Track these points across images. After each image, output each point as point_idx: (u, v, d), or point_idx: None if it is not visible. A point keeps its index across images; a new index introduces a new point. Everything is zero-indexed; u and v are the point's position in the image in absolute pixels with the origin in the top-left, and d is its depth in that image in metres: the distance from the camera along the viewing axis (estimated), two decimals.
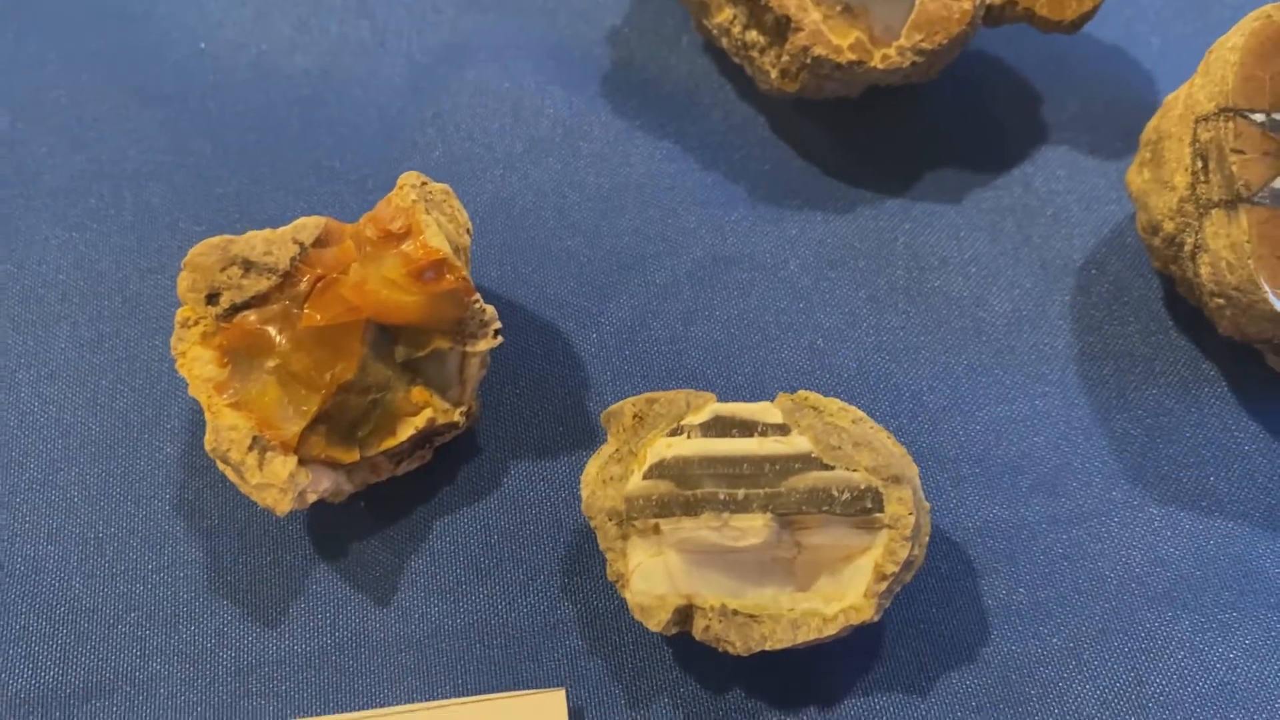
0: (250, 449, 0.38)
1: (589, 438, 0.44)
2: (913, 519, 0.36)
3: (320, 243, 0.40)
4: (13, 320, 0.47)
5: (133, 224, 0.49)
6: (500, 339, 0.41)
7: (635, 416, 0.39)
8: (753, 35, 0.46)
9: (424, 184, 0.40)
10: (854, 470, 0.36)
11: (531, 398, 0.45)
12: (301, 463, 0.38)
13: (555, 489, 0.43)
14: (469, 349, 0.40)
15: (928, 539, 0.37)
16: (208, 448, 0.38)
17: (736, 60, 0.48)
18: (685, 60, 0.52)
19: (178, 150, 0.51)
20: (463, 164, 0.50)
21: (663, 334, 0.46)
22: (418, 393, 0.41)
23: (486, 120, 0.51)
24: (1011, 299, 0.47)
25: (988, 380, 0.45)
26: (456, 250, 0.40)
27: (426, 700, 0.40)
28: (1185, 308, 0.46)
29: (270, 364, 0.38)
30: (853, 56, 0.45)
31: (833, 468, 0.36)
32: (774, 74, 0.47)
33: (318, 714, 0.40)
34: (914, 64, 0.45)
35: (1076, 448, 0.44)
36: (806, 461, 0.36)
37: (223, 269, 0.39)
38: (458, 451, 0.44)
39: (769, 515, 0.36)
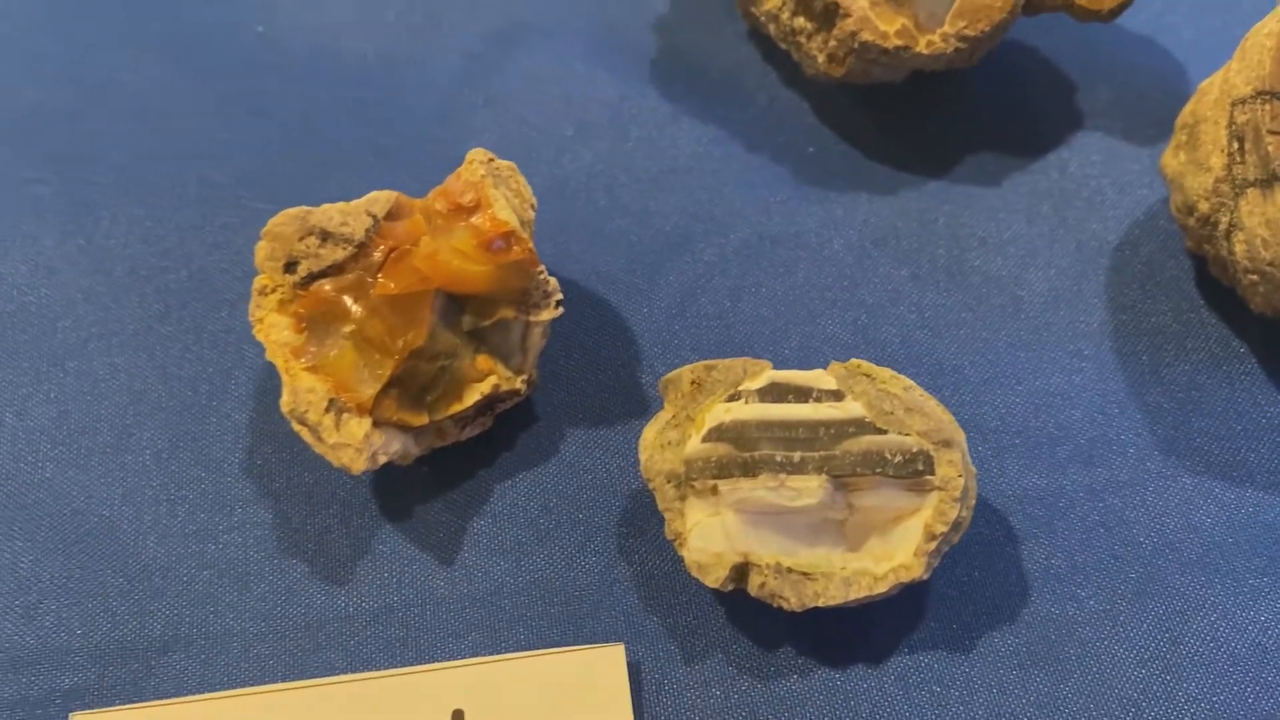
0: (327, 410, 0.39)
1: (641, 406, 0.46)
2: (962, 481, 0.38)
3: (392, 215, 0.41)
4: (84, 292, 0.49)
5: (196, 200, 0.51)
6: (561, 309, 0.42)
7: (693, 383, 0.40)
8: (800, 21, 0.48)
9: (491, 160, 0.42)
10: (906, 434, 0.38)
11: (586, 368, 0.47)
12: (374, 425, 0.40)
13: (610, 455, 0.45)
14: (532, 319, 0.42)
15: (974, 502, 0.39)
16: (285, 409, 0.40)
17: (783, 46, 0.50)
18: (731, 46, 0.54)
19: (239, 130, 0.52)
20: (515, 146, 0.52)
21: (711, 309, 0.48)
22: (483, 360, 0.42)
23: (538, 104, 0.53)
24: (1048, 278, 0.48)
25: (1026, 355, 0.47)
26: (522, 224, 0.41)
27: (490, 654, 0.41)
28: (1216, 287, 0.48)
29: (346, 330, 0.40)
30: (899, 42, 0.46)
31: (885, 432, 0.38)
32: (821, 59, 0.48)
33: (385, 667, 0.42)
34: (957, 50, 0.47)
35: (1112, 420, 0.45)
36: (860, 426, 0.38)
37: (301, 239, 0.40)
38: (517, 419, 0.45)
39: (824, 477, 0.38)
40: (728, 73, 0.53)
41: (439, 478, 0.45)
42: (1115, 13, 0.48)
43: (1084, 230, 0.49)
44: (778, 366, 0.47)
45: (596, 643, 0.42)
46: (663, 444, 0.40)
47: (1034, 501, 0.44)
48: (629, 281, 0.49)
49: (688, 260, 0.49)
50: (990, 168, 0.51)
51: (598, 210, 0.50)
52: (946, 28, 0.46)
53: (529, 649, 0.42)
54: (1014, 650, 0.41)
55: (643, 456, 0.40)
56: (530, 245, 0.41)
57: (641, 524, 0.44)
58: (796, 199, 0.50)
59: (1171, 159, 0.45)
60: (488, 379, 0.42)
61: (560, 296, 0.42)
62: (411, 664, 0.42)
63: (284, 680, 0.41)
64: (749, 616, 0.42)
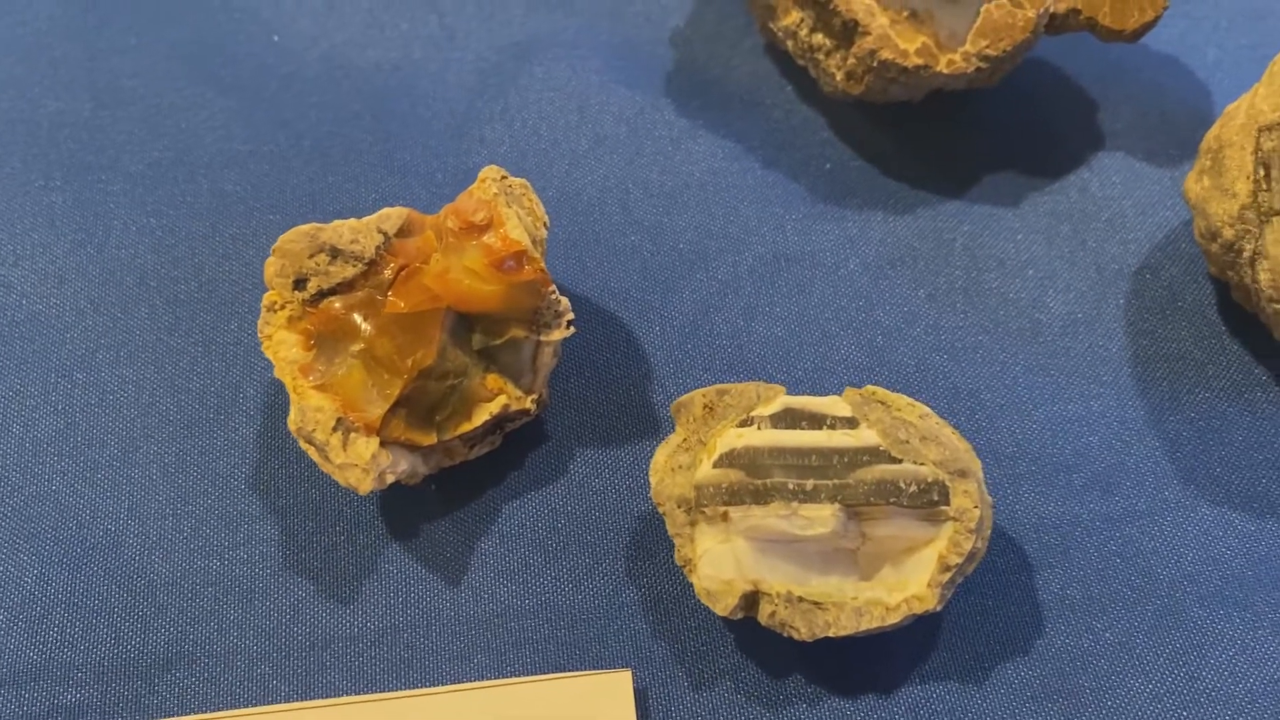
0: (335, 430, 0.39)
1: (653, 427, 0.45)
2: (978, 512, 0.37)
3: (403, 233, 0.41)
4: (92, 301, 0.49)
5: (208, 210, 0.51)
6: (573, 329, 0.42)
7: (705, 407, 0.40)
8: (819, 38, 0.48)
9: (504, 178, 0.42)
10: (921, 464, 0.37)
11: (597, 388, 0.46)
12: (382, 444, 0.40)
13: (620, 476, 0.44)
14: (543, 338, 0.42)
15: (989, 532, 0.38)
16: (292, 427, 0.39)
17: (801, 63, 0.49)
18: (747, 61, 0.54)
19: (252, 140, 0.52)
20: (529, 159, 0.51)
21: (724, 328, 0.47)
22: (493, 379, 0.42)
23: (552, 117, 0.52)
24: (1067, 301, 0.48)
25: (1044, 380, 0.46)
26: (534, 243, 0.41)
27: (495, 677, 0.41)
28: (1238, 313, 0.47)
29: (355, 348, 0.40)
30: (919, 61, 0.46)
31: (900, 461, 0.37)
32: (839, 76, 0.48)
33: (390, 689, 0.41)
34: (978, 69, 0.46)
35: (1130, 448, 0.45)
36: (874, 454, 0.38)
37: (311, 255, 0.40)
38: (526, 438, 0.45)
39: (837, 505, 0.37)
40: (744, 88, 0.53)
41: (447, 497, 0.44)
42: (1139, 33, 0.47)
43: (1104, 253, 0.49)
44: (791, 388, 0.46)
45: (603, 668, 0.41)
46: (674, 468, 0.40)
47: (1049, 530, 0.43)
48: (641, 299, 0.48)
49: (701, 278, 0.48)
50: (1009, 188, 0.50)
51: (611, 226, 0.50)
52: (968, 47, 0.46)
53: (535, 673, 0.41)
54: (1027, 682, 0.41)
55: (653, 480, 0.40)
56: (542, 265, 0.40)
57: (651, 547, 0.43)
58: (812, 217, 0.50)
59: (1195, 183, 0.44)
60: (497, 399, 0.42)
61: (571, 316, 0.42)
62: (416, 686, 0.41)
63: (287, 700, 0.41)
64: (759, 643, 0.41)
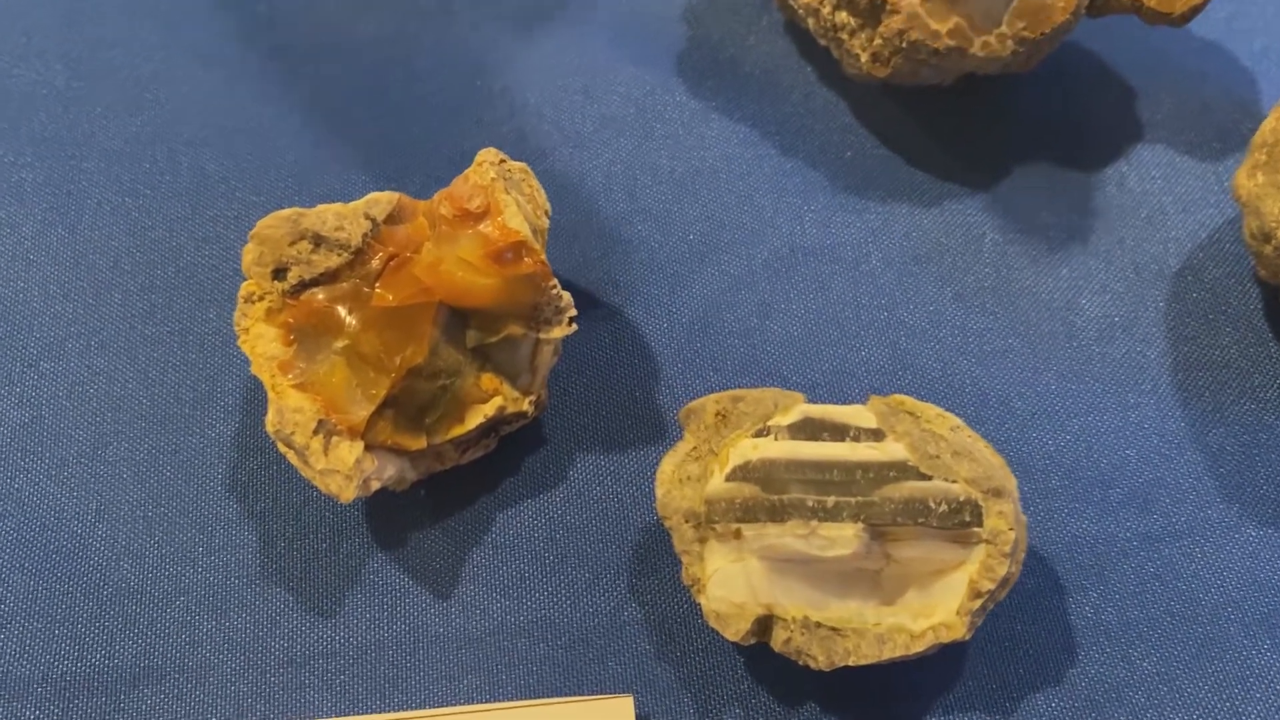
0: (315, 432, 0.36)
1: (658, 432, 0.42)
2: (1013, 535, 0.34)
3: (392, 219, 0.38)
4: (63, 287, 0.46)
5: (188, 191, 0.48)
6: (575, 327, 0.39)
7: (718, 414, 0.37)
8: (843, 16, 0.44)
9: (502, 161, 0.38)
10: (952, 481, 0.34)
11: (598, 388, 0.43)
12: (367, 448, 0.37)
13: (622, 484, 0.42)
14: (542, 336, 0.38)
15: (1024, 555, 0.35)
16: (270, 429, 0.36)
17: (822, 42, 0.46)
18: (765, 40, 0.50)
19: (236, 116, 0.49)
20: (530, 141, 0.48)
21: (736, 327, 0.44)
22: (488, 380, 0.39)
23: (556, 97, 0.49)
24: (1103, 303, 0.45)
25: (1078, 388, 0.43)
26: (534, 232, 0.38)
27: (487, 700, 0.38)
28: None
29: (339, 344, 0.36)
30: (951, 43, 0.42)
31: (930, 477, 0.34)
32: (864, 58, 0.44)
33: (373, 710, 0.38)
34: (1014, 53, 0.43)
35: (1170, 462, 0.42)
36: (902, 470, 0.35)
37: (292, 243, 0.37)
38: (523, 442, 0.42)
39: (860, 525, 0.34)
40: (761, 68, 0.49)
41: (437, 504, 0.41)
42: (1188, 16, 0.44)
43: (1142, 252, 0.46)
44: (808, 392, 0.43)
45: (603, 692, 0.38)
46: (682, 479, 0.37)
47: (1083, 549, 0.40)
48: (648, 293, 0.45)
49: (713, 272, 0.45)
50: (1042, 180, 0.47)
51: (617, 214, 0.47)
52: (1004, 29, 0.42)
53: (529, 696, 0.38)
54: (1058, 714, 0.38)
55: (659, 491, 0.37)
56: (543, 257, 0.37)
57: (655, 562, 0.40)
58: (832, 208, 0.46)
59: (1247, 180, 0.41)
60: (492, 400, 0.39)
61: (574, 313, 0.39)
62: (401, 708, 0.38)
63: None
64: (770, 668, 0.38)
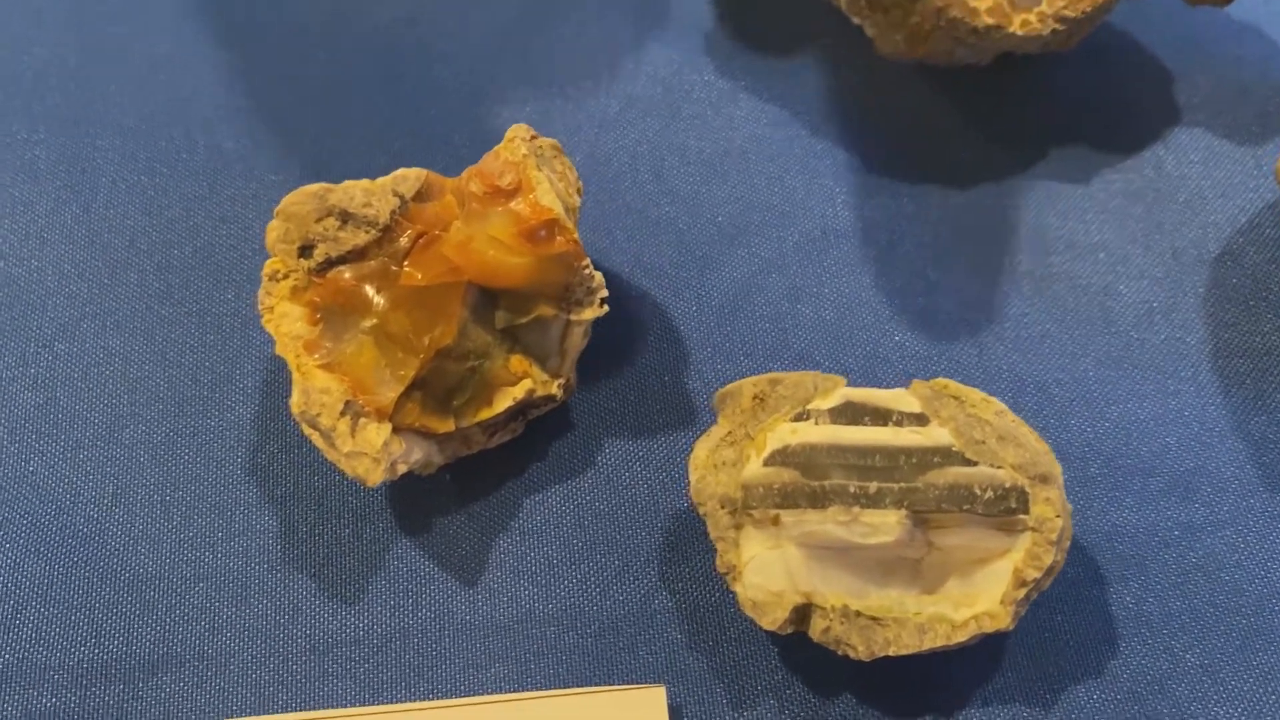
0: (342, 414, 0.35)
1: (688, 417, 0.42)
2: (1060, 522, 0.33)
3: (421, 196, 0.37)
4: (77, 266, 0.45)
5: (204, 170, 0.47)
6: (606, 308, 0.38)
7: (755, 398, 0.36)
8: None
9: (534, 138, 0.37)
10: (998, 467, 0.34)
11: (626, 372, 0.42)
12: (394, 431, 0.36)
13: (651, 470, 0.41)
14: (573, 317, 0.38)
15: (1069, 543, 0.35)
16: (295, 410, 0.35)
17: (855, 20, 0.45)
18: (796, 17, 0.49)
19: (253, 95, 0.48)
20: (554, 121, 0.47)
21: (767, 310, 0.43)
22: (517, 362, 0.38)
23: (580, 76, 0.48)
24: (1141, 289, 0.44)
25: (1117, 374, 0.42)
26: (566, 211, 0.37)
27: (515, 690, 0.37)
28: None
29: (366, 324, 0.35)
30: (990, 21, 0.41)
31: (975, 463, 0.33)
32: (899, 36, 0.43)
33: (398, 699, 0.37)
34: (1054, 32, 0.42)
35: (1211, 450, 0.41)
36: (947, 455, 0.34)
37: (318, 219, 0.36)
38: (550, 426, 0.41)
39: (903, 512, 0.33)
40: (792, 47, 0.48)
41: (462, 489, 0.40)
42: None
43: (1181, 236, 0.45)
44: (841, 377, 0.42)
45: (634, 682, 0.37)
46: (716, 464, 0.36)
47: (1124, 539, 0.39)
48: (676, 276, 0.44)
49: (742, 255, 0.44)
50: (1078, 163, 0.46)
51: (643, 195, 0.46)
52: (1044, 7, 0.41)
53: (558, 686, 0.37)
54: (1100, 707, 0.37)
55: (693, 476, 0.36)
56: (575, 236, 0.36)
57: (686, 549, 0.39)
58: (864, 190, 0.45)
59: None
60: (521, 383, 0.38)
61: (605, 294, 0.38)
62: (427, 697, 0.37)
63: (285, 710, 0.37)
64: (805, 658, 0.38)
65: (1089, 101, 0.47)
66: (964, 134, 0.46)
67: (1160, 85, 0.48)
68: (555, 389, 0.38)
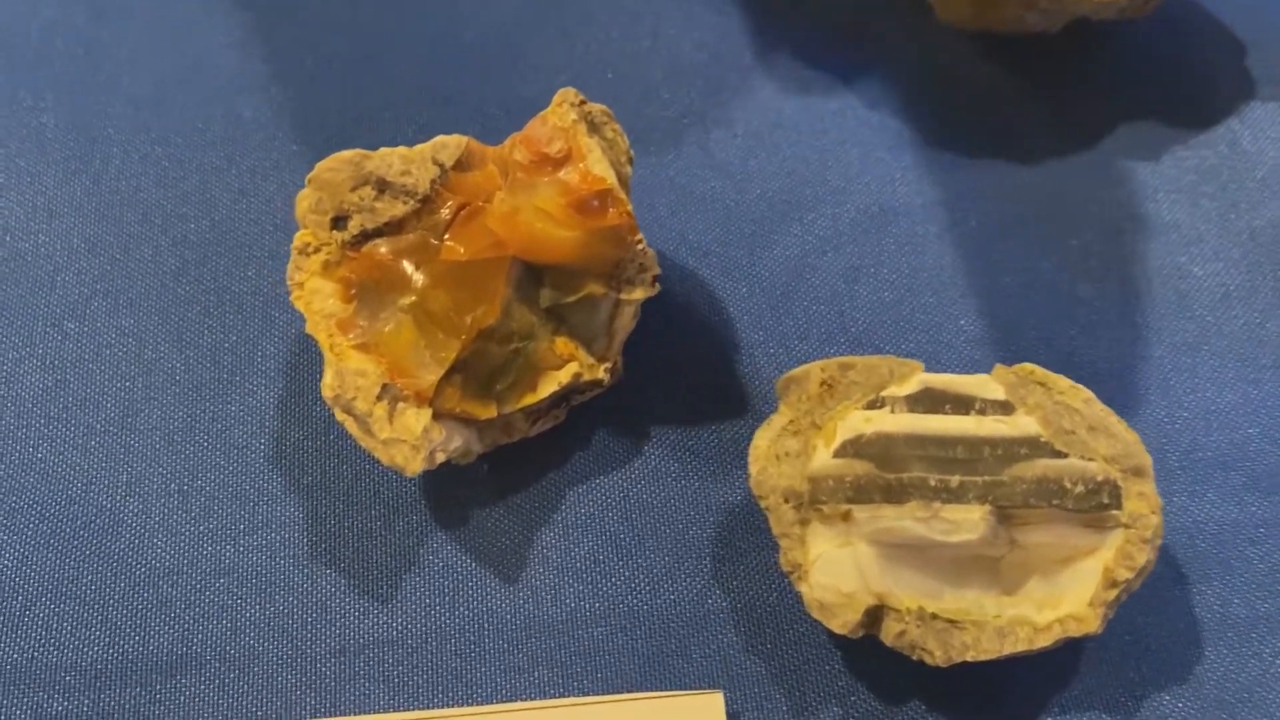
0: (380, 398, 0.33)
1: (739, 405, 0.39)
2: (1155, 519, 0.31)
3: (461, 165, 0.34)
4: (87, 240, 0.42)
5: (222, 139, 0.44)
6: (658, 287, 0.35)
7: (824, 384, 0.33)
8: None
9: (583, 103, 0.35)
10: (1089, 459, 0.31)
11: (673, 356, 0.40)
12: (435, 417, 0.33)
13: (702, 461, 0.38)
14: (624, 296, 0.35)
15: (1160, 541, 0.32)
16: (327, 394, 0.33)
17: None
18: None
19: (274, 61, 0.45)
20: (593, 90, 0.45)
21: (823, 292, 0.41)
22: (562, 344, 0.35)
23: (621, 41, 0.46)
24: (1216, 271, 0.41)
25: (1193, 361, 0.40)
26: (619, 181, 0.34)
27: (561, 695, 0.35)
28: None
29: (405, 302, 0.33)
30: None
31: (1065, 455, 0.31)
32: (965, 2, 0.41)
33: (434, 705, 0.35)
34: None
35: None
36: (1034, 446, 0.31)
37: (354, 188, 0.33)
38: (594, 414, 0.39)
39: (987, 507, 0.31)
40: (845, 12, 0.46)
41: (501, 479, 0.38)
42: None
43: (1258, 216, 0.42)
44: (919, 362, 0.40)
45: (688, 688, 0.35)
46: (779, 454, 0.33)
47: (1205, 536, 0.37)
48: (724, 254, 0.42)
49: (796, 232, 0.42)
50: (1148, 139, 0.43)
51: (688, 169, 0.43)
52: None
53: (606, 692, 0.35)
54: (1185, 715, 0.35)
55: (753, 468, 0.33)
56: (629, 208, 0.34)
57: (741, 545, 0.37)
58: (924, 165, 0.43)
59: None
60: (567, 366, 0.35)
61: (658, 271, 0.35)
62: (464, 702, 0.35)
63: (312, 715, 0.35)
64: (871, 663, 0.35)
65: (1160, 74, 0.44)
66: (1027, 106, 0.44)
67: (1235, 57, 0.45)
68: (602, 373, 0.36)
